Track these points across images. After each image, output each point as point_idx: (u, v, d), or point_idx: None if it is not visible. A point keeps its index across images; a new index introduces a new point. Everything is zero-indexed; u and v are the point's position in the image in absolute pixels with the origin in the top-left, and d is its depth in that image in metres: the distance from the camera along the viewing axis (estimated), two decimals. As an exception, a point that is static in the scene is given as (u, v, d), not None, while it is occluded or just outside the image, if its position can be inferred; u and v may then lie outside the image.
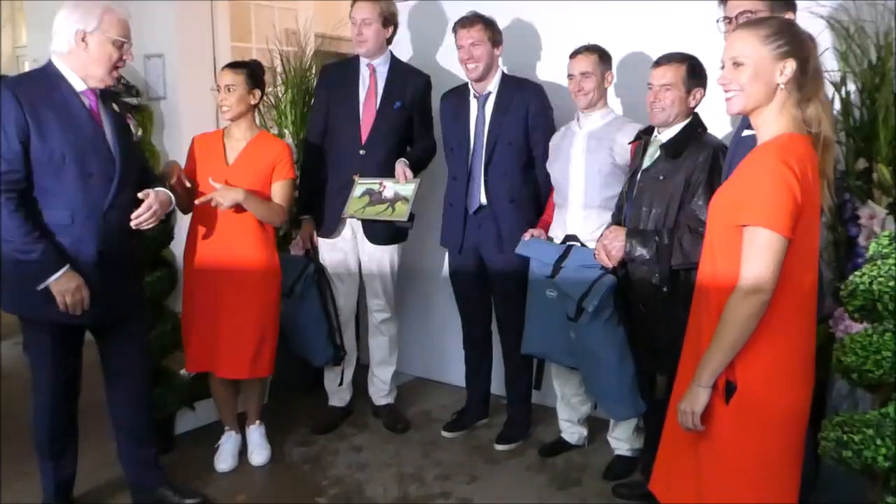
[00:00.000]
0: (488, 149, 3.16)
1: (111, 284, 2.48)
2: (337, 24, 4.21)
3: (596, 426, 3.34)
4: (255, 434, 3.24)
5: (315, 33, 4.33)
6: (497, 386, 3.59)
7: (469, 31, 3.11)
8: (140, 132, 2.61)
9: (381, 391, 3.61)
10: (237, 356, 3.01)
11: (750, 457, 1.79)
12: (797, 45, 1.79)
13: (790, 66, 1.76)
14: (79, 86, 2.42)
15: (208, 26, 4.74)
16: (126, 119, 2.59)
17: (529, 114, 3.15)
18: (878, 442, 1.72)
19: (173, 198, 2.65)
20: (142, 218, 2.48)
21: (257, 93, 3.02)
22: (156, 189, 2.56)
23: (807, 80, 1.79)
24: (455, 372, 3.83)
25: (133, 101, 4.24)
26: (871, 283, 1.74)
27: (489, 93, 3.20)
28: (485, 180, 3.17)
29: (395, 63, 3.38)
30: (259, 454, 3.20)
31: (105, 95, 2.52)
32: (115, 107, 2.56)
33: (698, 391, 1.79)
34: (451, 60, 3.47)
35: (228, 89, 2.96)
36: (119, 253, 2.51)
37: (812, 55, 1.80)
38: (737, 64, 1.80)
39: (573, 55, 2.91)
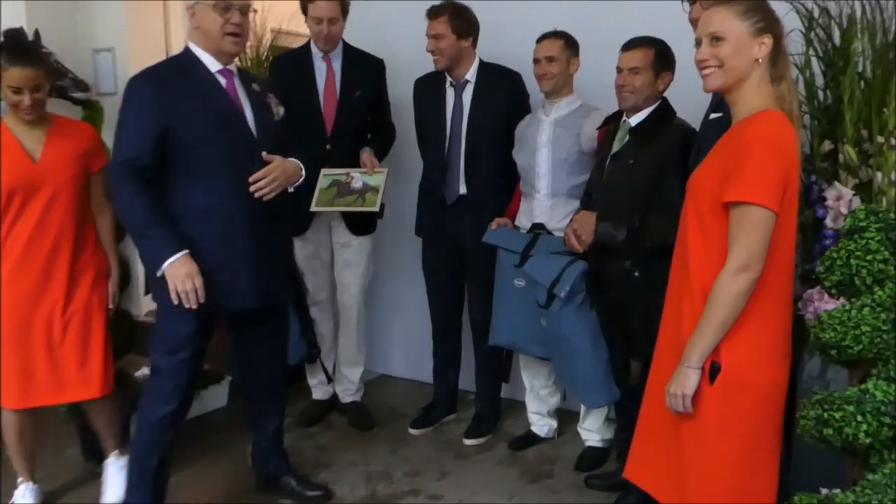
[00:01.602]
0: (469, 138, 3.11)
1: (265, 270, 2.44)
2: (291, 17, 4.09)
3: (565, 418, 3.30)
4: (113, 468, 2.78)
5: (270, 28, 4.22)
6: (463, 381, 3.53)
7: (433, 23, 3.06)
8: (282, 111, 2.56)
9: (348, 389, 3.53)
10: (59, 374, 2.60)
11: (735, 436, 1.77)
12: (772, 21, 1.81)
13: (767, 41, 1.77)
14: (213, 66, 2.39)
15: (161, 19, 4.63)
16: (266, 98, 2.52)
17: (509, 102, 3.11)
18: (859, 418, 1.69)
19: (303, 170, 2.54)
20: (259, 184, 2.36)
21: (44, 73, 2.57)
22: (285, 158, 2.46)
23: (779, 56, 1.80)
24: (420, 367, 3.78)
25: (81, 95, 4.11)
26: (848, 258, 1.73)
27: (467, 81, 3.15)
28: (465, 170, 3.12)
29: (348, 51, 3.30)
30: (114, 492, 2.72)
31: (244, 75, 2.50)
32: (256, 86, 2.51)
33: (688, 372, 1.75)
34: (409, 45, 3.40)
35: (37, 89, 2.50)
36: (270, 237, 2.46)
37: (783, 33, 1.81)
38: (716, 39, 1.78)
39: (539, 40, 2.89)
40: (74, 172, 2.61)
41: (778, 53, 1.80)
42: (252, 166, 2.38)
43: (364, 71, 3.28)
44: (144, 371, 3.34)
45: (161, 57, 4.64)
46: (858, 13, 2.40)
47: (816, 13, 2.47)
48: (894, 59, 2.37)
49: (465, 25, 3.08)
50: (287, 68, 3.31)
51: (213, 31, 2.35)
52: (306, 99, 3.22)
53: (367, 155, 3.19)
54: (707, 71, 1.82)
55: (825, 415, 1.75)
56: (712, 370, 1.76)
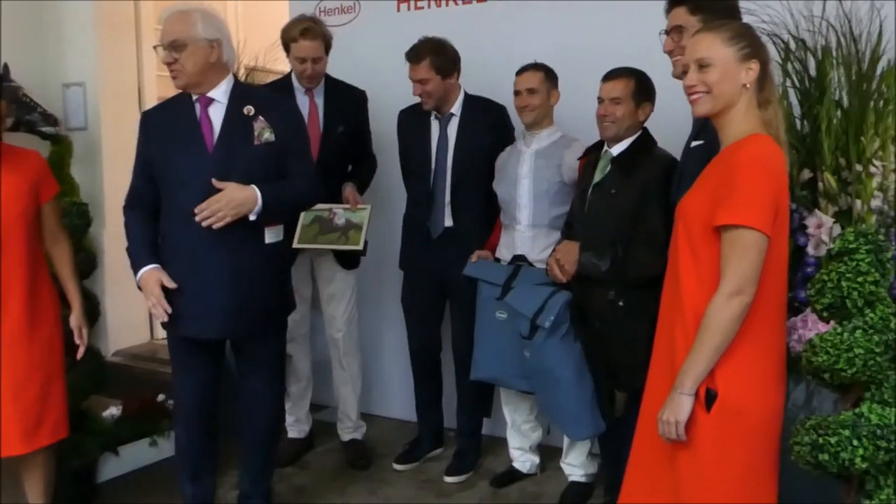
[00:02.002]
0: (455, 170, 3.09)
1: (224, 298, 2.38)
2: (266, 52, 4.05)
3: (548, 454, 3.24)
4: None
5: (244, 65, 4.18)
6: (447, 419, 3.45)
7: (416, 67, 3.04)
8: (267, 135, 2.42)
9: (347, 428, 3.46)
10: (12, 425, 2.43)
11: (733, 464, 1.73)
12: (758, 46, 1.82)
13: (754, 66, 1.78)
14: (194, 94, 2.45)
15: (133, 54, 4.58)
16: (252, 122, 2.42)
17: (494, 135, 3.10)
18: (855, 443, 1.67)
19: (259, 202, 2.34)
20: (203, 214, 2.30)
21: (3, 104, 2.56)
22: (238, 185, 2.33)
23: (766, 82, 1.81)
24: (401, 405, 3.71)
25: (50, 130, 4.04)
26: (839, 280, 1.72)
27: (452, 114, 3.14)
28: (452, 202, 3.09)
29: (330, 84, 3.27)
30: None
31: (237, 97, 2.44)
32: (249, 109, 2.43)
33: (681, 399, 1.72)
34: (392, 77, 3.38)
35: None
36: (234, 265, 2.38)
37: (769, 58, 1.82)
38: (703, 66, 1.80)
39: (520, 72, 2.89)
40: (24, 205, 2.47)
41: (765, 79, 1.81)
42: (200, 190, 2.32)
43: (347, 105, 3.26)
44: (112, 411, 3.25)
45: (133, 92, 4.63)
46: (834, 44, 2.44)
47: (793, 45, 2.51)
48: (868, 90, 2.42)
49: (447, 63, 3.06)
50: None
51: None
52: None
53: (349, 190, 3.15)
54: (695, 97, 1.82)
55: (820, 440, 1.72)
56: (708, 397, 1.72)
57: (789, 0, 2.52)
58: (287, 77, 3.29)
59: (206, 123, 2.42)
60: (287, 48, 3.18)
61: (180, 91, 2.47)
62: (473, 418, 3.27)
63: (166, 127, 2.44)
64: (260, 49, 3.81)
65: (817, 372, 1.78)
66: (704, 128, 2.15)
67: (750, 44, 1.78)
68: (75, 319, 2.63)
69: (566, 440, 3.03)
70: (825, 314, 1.78)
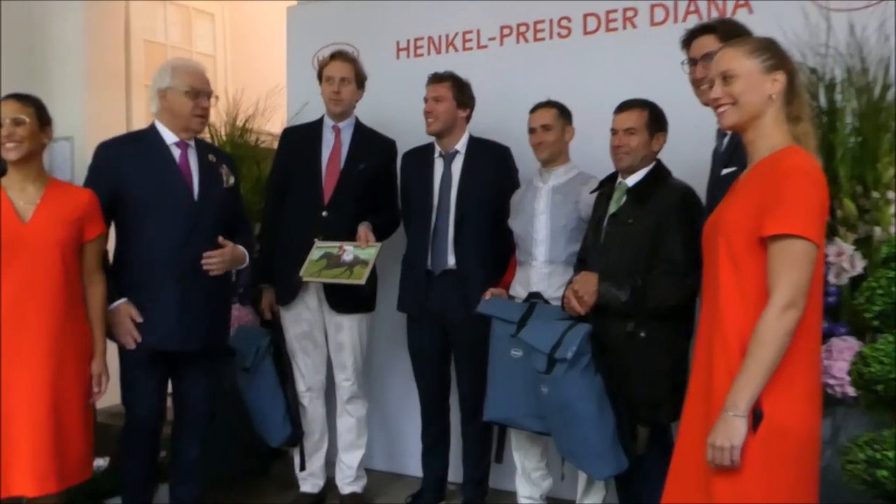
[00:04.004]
0: (458, 209, 3.05)
1: (192, 316, 2.66)
2: (265, 97, 4.02)
3: (557, 506, 3.09)
4: None
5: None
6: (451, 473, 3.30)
7: (436, 86, 3.07)
8: (232, 180, 2.83)
9: (347, 478, 3.28)
10: (39, 462, 2.34)
11: (780, 488, 1.64)
12: (783, 58, 1.81)
13: (780, 77, 1.77)
14: (169, 139, 2.71)
15: (123, 109, 4.55)
16: (219, 168, 2.79)
17: (499, 175, 3.08)
18: (916, 455, 1.60)
19: (247, 259, 2.84)
20: (210, 262, 2.68)
21: (49, 130, 2.52)
22: (236, 245, 2.76)
23: (794, 95, 1.80)
24: (400, 459, 3.57)
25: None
26: (889, 286, 1.68)
27: (456, 152, 3.12)
28: (455, 241, 3.04)
29: (359, 126, 3.27)
30: None
31: (201, 147, 2.79)
32: (212, 157, 2.80)
33: (735, 421, 1.62)
34: (389, 122, 3.40)
35: (16, 122, 2.39)
36: (201, 287, 2.67)
37: (797, 72, 1.81)
38: (727, 77, 1.79)
39: (533, 110, 2.91)
40: (64, 236, 2.43)
41: (793, 93, 1.80)
42: (186, 223, 2.66)
43: (372, 147, 3.24)
44: (99, 462, 3.08)
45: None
46: (844, 74, 2.48)
47: (803, 78, 2.54)
48: (879, 118, 2.45)
49: (465, 97, 3.11)
50: (294, 137, 3.29)
51: (180, 112, 2.69)
52: (308, 165, 3.16)
53: (363, 229, 3.07)
54: (721, 109, 1.82)
55: (877, 455, 1.65)
56: (754, 418, 1.64)
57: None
58: (320, 118, 3.29)
59: (185, 166, 2.71)
60: (321, 77, 3.21)
61: (144, 128, 2.82)
62: (480, 466, 3.13)
63: (140, 163, 2.66)
64: (260, 94, 3.80)
65: (869, 385, 1.71)
66: (735, 155, 2.13)
67: (774, 55, 1.78)
68: (97, 366, 2.53)
69: (580, 488, 2.90)
70: (876, 323, 1.73)
